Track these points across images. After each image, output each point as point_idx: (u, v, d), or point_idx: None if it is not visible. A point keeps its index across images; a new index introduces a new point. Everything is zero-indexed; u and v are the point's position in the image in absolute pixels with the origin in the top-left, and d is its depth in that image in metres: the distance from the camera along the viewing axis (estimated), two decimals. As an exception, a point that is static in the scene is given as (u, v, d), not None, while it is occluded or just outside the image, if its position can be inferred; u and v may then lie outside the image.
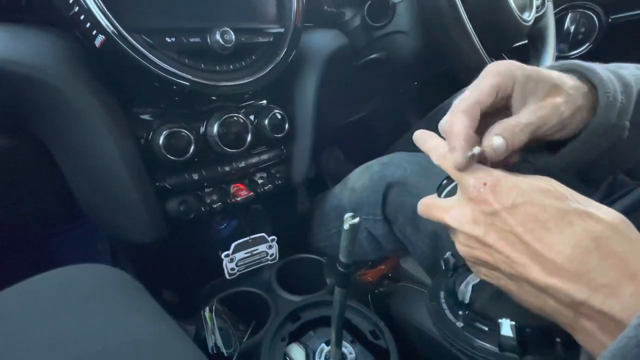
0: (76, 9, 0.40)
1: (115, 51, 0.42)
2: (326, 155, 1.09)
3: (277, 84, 0.58)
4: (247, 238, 0.64)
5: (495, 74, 0.29)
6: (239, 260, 0.64)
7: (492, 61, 0.39)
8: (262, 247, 0.65)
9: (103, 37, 0.41)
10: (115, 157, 0.47)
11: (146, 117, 0.51)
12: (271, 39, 0.57)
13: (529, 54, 0.92)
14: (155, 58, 0.45)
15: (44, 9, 0.43)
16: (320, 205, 0.75)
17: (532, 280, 0.23)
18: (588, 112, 0.29)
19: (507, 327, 0.28)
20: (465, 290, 0.34)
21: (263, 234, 0.65)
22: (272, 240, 0.66)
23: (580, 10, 1.25)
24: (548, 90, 0.28)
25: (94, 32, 0.41)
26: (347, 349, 0.51)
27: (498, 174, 0.26)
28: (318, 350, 0.51)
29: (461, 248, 0.28)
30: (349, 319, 0.54)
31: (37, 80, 0.42)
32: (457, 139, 0.27)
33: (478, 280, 0.34)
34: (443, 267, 0.37)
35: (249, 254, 0.64)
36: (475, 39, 0.68)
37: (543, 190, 0.24)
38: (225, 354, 0.54)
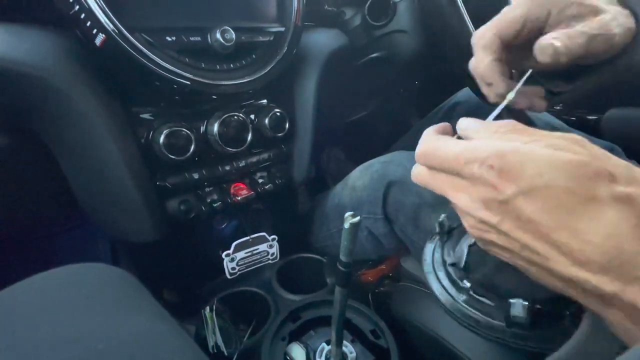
0: (76, 7, 0.40)
1: (116, 50, 0.42)
2: (327, 155, 1.09)
3: (278, 83, 0.58)
4: (248, 237, 0.64)
5: (525, 2, 0.28)
6: (240, 259, 0.64)
7: None
8: (262, 247, 0.65)
9: (103, 36, 0.41)
10: (115, 157, 0.47)
11: (146, 116, 0.51)
12: (271, 38, 0.56)
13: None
14: (155, 57, 0.44)
15: (45, 8, 0.43)
16: (320, 205, 0.75)
17: (554, 271, 0.21)
18: (625, 38, 0.28)
19: (519, 308, 0.26)
20: (462, 253, 0.33)
21: (263, 234, 0.65)
22: (273, 239, 0.66)
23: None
24: (590, 13, 0.28)
25: (95, 31, 0.41)
26: (348, 348, 0.51)
27: (507, 148, 0.21)
28: (318, 350, 0.51)
29: (471, 230, 0.25)
30: (349, 319, 0.54)
31: (37, 80, 0.42)
32: (489, 75, 0.27)
33: (474, 241, 0.32)
34: (437, 231, 0.36)
35: (249, 254, 0.64)
36: (476, 38, 0.68)
37: (570, 166, 0.20)
38: (226, 354, 0.54)
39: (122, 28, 0.42)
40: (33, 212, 0.59)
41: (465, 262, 0.32)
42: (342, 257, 0.37)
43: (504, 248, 0.23)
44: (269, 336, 0.51)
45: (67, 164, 0.50)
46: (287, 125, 0.61)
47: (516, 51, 0.31)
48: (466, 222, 0.25)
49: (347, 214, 0.34)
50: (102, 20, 0.41)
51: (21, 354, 0.27)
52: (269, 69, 0.55)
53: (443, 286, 0.32)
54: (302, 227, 0.78)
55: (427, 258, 0.35)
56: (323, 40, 0.71)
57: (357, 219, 0.34)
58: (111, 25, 0.41)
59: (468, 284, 0.30)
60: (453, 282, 0.31)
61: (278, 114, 0.60)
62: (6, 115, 0.45)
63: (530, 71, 0.29)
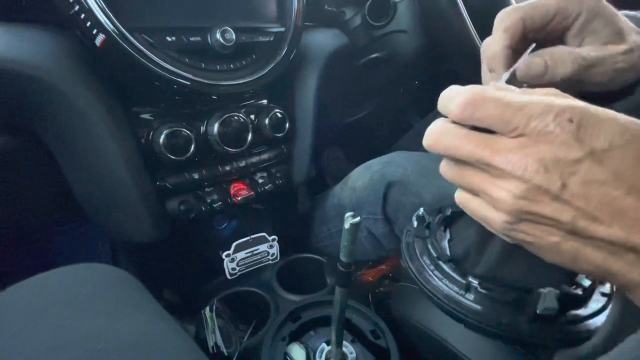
0: (76, 8, 0.40)
1: (116, 50, 0.42)
2: (327, 155, 1.09)
3: (278, 83, 0.58)
4: (248, 238, 0.64)
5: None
6: (240, 260, 0.64)
7: None
8: (262, 247, 0.65)
9: (103, 36, 0.41)
10: (115, 157, 0.47)
11: (146, 116, 0.51)
12: (272, 38, 0.56)
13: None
14: (155, 57, 0.44)
15: (45, 8, 0.43)
16: (320, 205, 0.75)
17: (615, 240, 0.19)
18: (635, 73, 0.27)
19: (552, 298, 0.24)
20: (445, 248, 0.31)
21: (264, 234, 0.65)
22: (273, 239, 0.66)
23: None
24: (611, 35, 0.27)
25: (95, 31, 0.41)
26: (348, 348, 0.51)
27: (582, 104, 0.19)
28: (318, 350, 0.50)
29: (511, 202, 0.21)
30: (349, 319, 0.54)
31: (37, 80, 0.42)
32: (496, 62, 0.26)
33: (449, 237, 0.31)
34: (415, 225, 0.34)
35: (249, 254, 0.64)
36: (476, 38, 0.68)
37: None
38: (226, 354, 0.54)
39: (122, 28, 0.42)
40: (33, 212, 0.59)
41: (463, 255, 0.30)
42: (342, 258, 0.37)
43: (550, 221, 0.21)
44: (269, 336, 0.51)
45: (67, 164, 0.50)
46: (287, 126, 0.61)
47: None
48: (506, 195, 0.21)
49: (347, 214, 0.34)
50: (102, 21, 0.41)
51: (21, 355, 0.27)
52: (269, 69, 0.55)
53: (440, 285, 0.29)
54: (302, 227, 0.78)
55: (414, 258, 0.32)
56: (323, 40, 0.71)
57: (357, 219, 0.34)
58: (111, 26, 0.41)
59: (476, 281, 0.28)
60: (453, 280, 0.29)
61: (278, 114, 0.60)
62: (6, 115, 0.45)
63: (533, 45, 0.26)
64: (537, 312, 0.25)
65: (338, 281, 0.39)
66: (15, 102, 0.44)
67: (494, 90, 0.22)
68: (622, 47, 0.26)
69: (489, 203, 0.23)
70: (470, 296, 0.27)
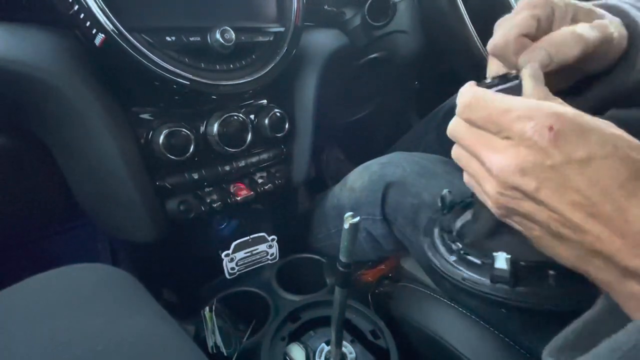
0: (76, 7, 0.40)
1: (115, 50, 0.42)
2: (326, 155, 1.09)
3: (278, 83, 0.57)
4: (247, 238, 0.64)
5: (531, 6, 0.26)
6: (239, 259, 0.64)
7: None
8: (262, 247, 0.65)
9: (103, 36, 0.41)
10: (114, 157, 0.47)
11: (146, 116, 0.51)
12: (271, 38, 0.56)
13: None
14: (155, 57, 0.44)
15: (44, 8, 0.43)
16: (320, 205, 0.75)
17: (585, 244, 0.20)
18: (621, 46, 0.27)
19: (502, 260, 0.28)
20: (454, 226, 0.35)
21: (263, 234, 0.65)
22: (272, 239, 0.66)
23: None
24: (588, 15, 0.26)
25: (94, 31, 0.41)
26: (347, 348, 0.51)
27: (569, 111, 0.20)
28: (318, 350, 0.50)
29: (495, 196, 0.23)
30: (349, 319, 0.54)
31: (36, 80, 0.41)
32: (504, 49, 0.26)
33: (469, 218, 0.34)
34: (440, 205, 0.38)
35: (249, 254, 0.64)
36: (476, 39, 0.68)
37: (631, 141, 0.19)
38: (225, 354, 0.54)
39: (121, 28, 0.42)
40: (33, 212, 0.59)
41: (458, 230, 0.34)
42: (342, 258, 0.37)
43: (531, 219, 0.22)
44: (269, 336, 0.51)
45: (66, 164, 0.50)
46: (286, 126, 0.61)
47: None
48: (491, 188, 0.23)
49: (347, 214, 0.34)
50: (102, 20, 0.41)
51: (21, 355, 0.27)
52: (268, 69, 0.55)
53: (436, 249, 0.34)
54: (302, 227, 0.78)
55: (425, 226, 0.37)
56: (323, 41, 0.71)
57: (356, 219, 0.34)
58: (110, 26, 0.41)
59: (460, 245, 0.32)
60: (445, 244, 0.33)
61: (278, 114, 0.60)
62: (5, 115, 0.45)
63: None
64: (492, 273, 0.28)
65: (338, 281, 0.39)
66: (14, 102, 0.44)
67: (490, 93, 0.23)
68: (606, 20, 0.26)
69: (481, 192, 0.25)
70: (453, 258, 0.31)
